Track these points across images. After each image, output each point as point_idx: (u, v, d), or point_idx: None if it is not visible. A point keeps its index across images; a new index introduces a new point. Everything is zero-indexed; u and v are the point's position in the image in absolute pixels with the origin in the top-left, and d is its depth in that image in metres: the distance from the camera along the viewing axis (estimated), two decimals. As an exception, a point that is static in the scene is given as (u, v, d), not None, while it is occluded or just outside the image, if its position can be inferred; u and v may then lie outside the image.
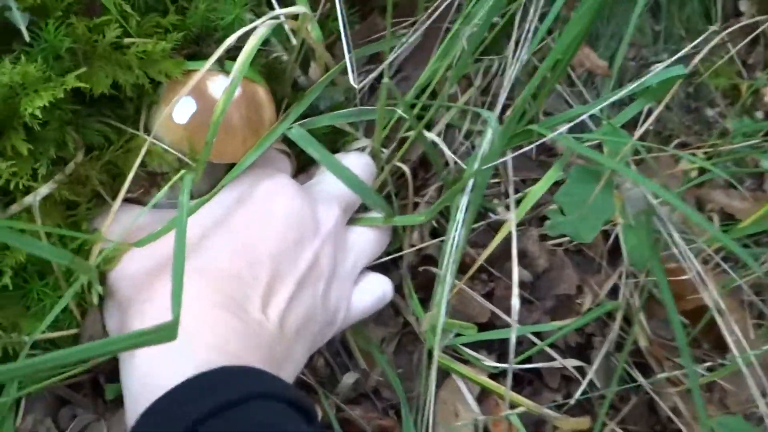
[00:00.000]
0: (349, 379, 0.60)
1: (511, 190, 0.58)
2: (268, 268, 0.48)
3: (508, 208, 0.59)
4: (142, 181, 0.49)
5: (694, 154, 0.70)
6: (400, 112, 0.55)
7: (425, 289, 0.62)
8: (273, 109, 0.53)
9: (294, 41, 0.52)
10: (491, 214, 0.64)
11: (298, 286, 0.49)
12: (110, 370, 0.52)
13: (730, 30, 0.69)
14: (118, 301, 0.48)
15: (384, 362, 0.61)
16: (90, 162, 0.47)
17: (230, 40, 0.46)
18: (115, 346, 0.29)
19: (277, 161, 0.55)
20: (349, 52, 0.51)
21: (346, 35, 0.51)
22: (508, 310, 0.53)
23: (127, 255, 0.48)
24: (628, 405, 0.66)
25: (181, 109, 0.48)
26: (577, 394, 0.62)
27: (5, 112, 0.43)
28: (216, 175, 0.52)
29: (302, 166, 0.59)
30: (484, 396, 0.62)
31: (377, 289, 0.57)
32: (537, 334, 0.63)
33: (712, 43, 0.60)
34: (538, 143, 0.56)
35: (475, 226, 0.63)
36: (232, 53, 0.47)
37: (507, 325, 0.60)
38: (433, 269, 0.59)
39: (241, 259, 0.48)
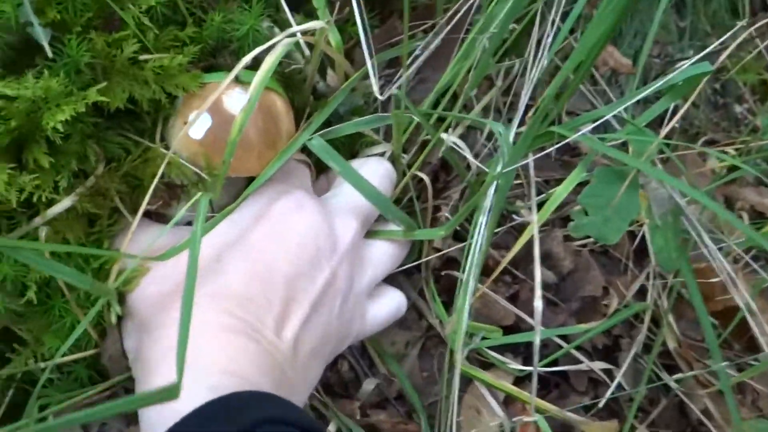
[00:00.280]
0: (369, 385, 0.60)
1: (533, 192, 0.57)
2: (284, 289, 0.48)
3: (531, 209, 0.58)
4: (161, 193, 0.49)
5: (723, 152, 0.68)
6: (417, 119, 0.54)
7: (448, 292, 0.61)
8: (291, 120, 0.52)
9: (311, 53, 0.52)
10: (515, 216, 0.64)
11: (313, 307, 0.49)
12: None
13: (758, 25, 0.68)
14: (137, 323, 0.48)
15: (402, 374, 0.61)
16: (109, 173, 0.48)
17: (246, 59, 0.45)
18: (122, 408, 0.33)
19: (297, 171, 0.55)
20: (371, 58, 0.50)
21: (368, 44, 0.51)
22: (532, 313, 0.53)
23: (147, 277, 0.48)
24: (658, 407, 0.65)
25: (197, 124, 0.47)
26: (606, 397, 0.61)
27: (28, 126, 0.43)
28: (237, 186, 0.52)
29: (322, 168, 0.59)
30: (510, 399, 0.62)
31: (392, 303, 0.57)
32: (563, 337, 0.62)
33: (740, 39, 0.59)
34: (561, 144, 0.55)
35: (498, 228, 0.62)
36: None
37: (532, 328, 0.60)
38: (456, 273, 0.58)
39: (256, 281, 0.48)
